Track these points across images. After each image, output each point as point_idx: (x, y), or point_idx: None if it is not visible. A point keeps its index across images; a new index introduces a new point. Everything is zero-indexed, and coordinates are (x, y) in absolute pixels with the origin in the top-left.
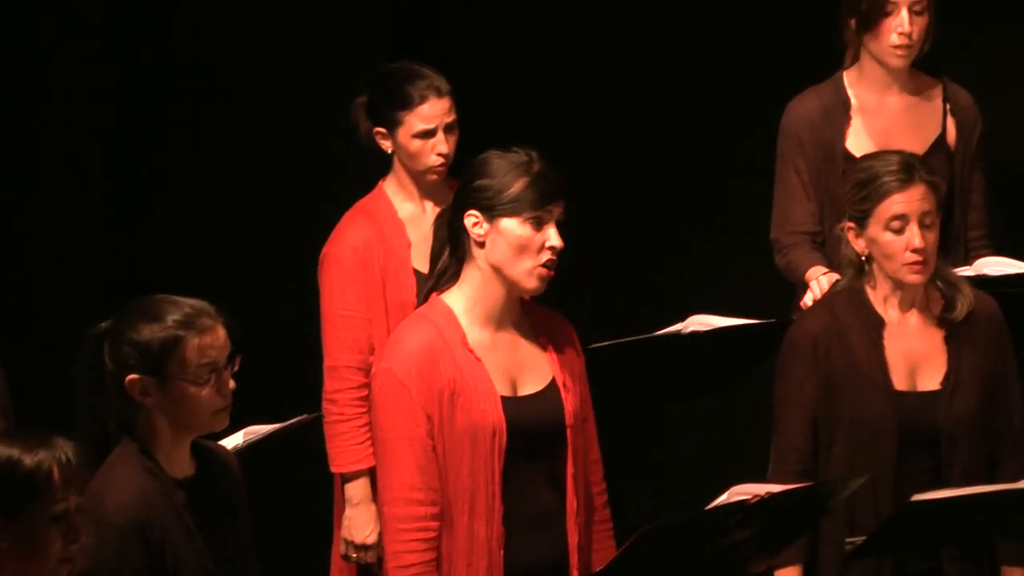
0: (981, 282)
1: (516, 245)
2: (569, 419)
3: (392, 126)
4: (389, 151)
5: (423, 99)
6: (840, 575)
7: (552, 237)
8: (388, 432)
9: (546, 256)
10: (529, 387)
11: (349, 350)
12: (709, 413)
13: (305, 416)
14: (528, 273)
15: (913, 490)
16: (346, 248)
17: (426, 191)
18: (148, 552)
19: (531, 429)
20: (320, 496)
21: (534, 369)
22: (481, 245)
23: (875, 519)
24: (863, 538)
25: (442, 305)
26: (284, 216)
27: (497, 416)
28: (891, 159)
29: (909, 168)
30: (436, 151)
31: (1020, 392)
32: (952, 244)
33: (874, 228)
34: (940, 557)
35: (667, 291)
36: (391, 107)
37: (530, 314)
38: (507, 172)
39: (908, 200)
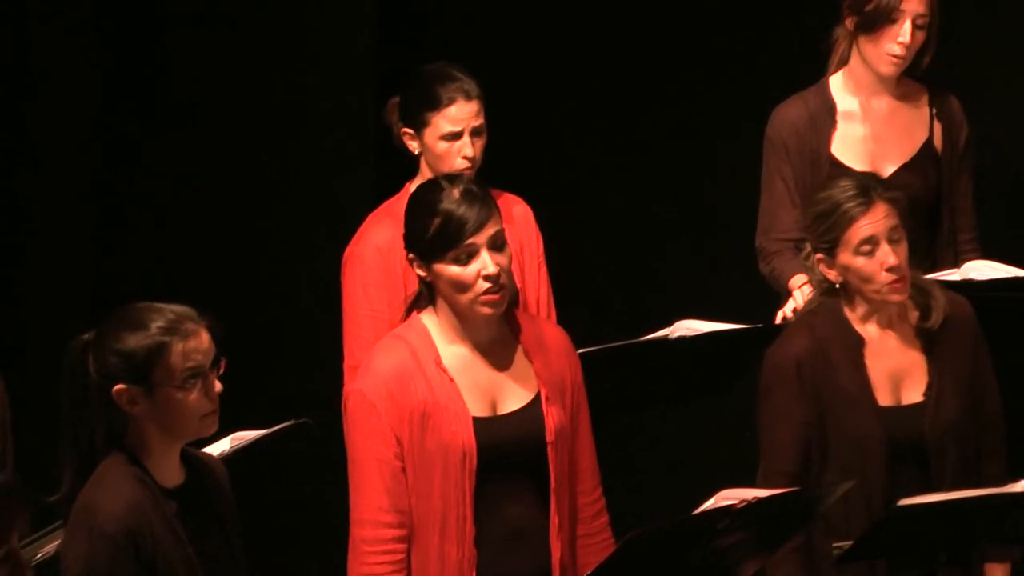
0: (968, 287)
1: (451, 285)
2: (550, 436)
3: (419, 127)
4: (416, 152)
5: (451, 101)
6: None
7: (485, 265)
8: (358, 453)
9: (484, 286)
10: (510, 404)
11: (370, 350)
12: (696, 418)
13: (293, 421)
14: (472, 305)
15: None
16: (370, 248)
17: None
18: (139, 561)
19: (507, 449)
20: (315, 501)
21: (517, 385)
22: (430, 282)
23: None
24: (850, 543)
25: (419, 324)
26: (273, 220)
27: (467, 437)
28: (846, 185)
29: (866, 190)
30: (462, 154)
31: (998, 391)
32: (941, 249)
33: (845, 255)
34: (934, 564)
35: (654, 296)
36: (419, 108)
37: (516, 325)
38: (422, 214)
39: (873, 221)
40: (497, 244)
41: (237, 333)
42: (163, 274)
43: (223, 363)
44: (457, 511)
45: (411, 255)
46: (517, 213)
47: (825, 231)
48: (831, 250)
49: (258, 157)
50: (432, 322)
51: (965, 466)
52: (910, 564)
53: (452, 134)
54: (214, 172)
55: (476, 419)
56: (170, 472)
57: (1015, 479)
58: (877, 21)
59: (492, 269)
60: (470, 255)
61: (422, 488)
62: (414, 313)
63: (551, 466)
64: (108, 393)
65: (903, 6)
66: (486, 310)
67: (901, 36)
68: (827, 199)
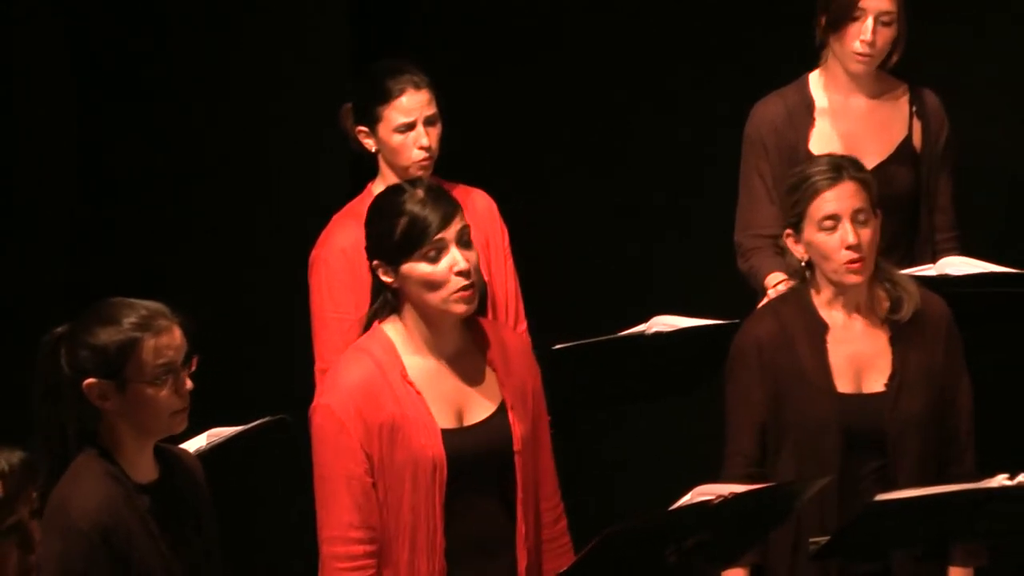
0: (944, 282)
1: (422, 284)
2: (517, 444)
3: (373, 123)
4: (373, 150)
5: (401, 92)
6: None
7: (455, 261)
8: (326, 470)
9: (458, 282)
10: (475, 414)
11: (340, 353)
12: (673, 413)
13: (269, 418)
14: (446, 303)
15: (859, 492)
16: (335, 250)
17: None
18: (114, 558)
19: (476, 459)
20: (290, 498)
21: (481, 394)
22: (397, 288)
23: (820, 520)
24: (826, 538)
25: (382, 336)
26: (249, 217)
27: (437, 450)
28: (820, 160)
29: (837, 167)
30: (418, 144)
31: (970, 393)
32: (919, 247)
33: (808, 230)
34: (889, 557)
35: (631, 291)
36: (370, 104)
37: (478, 332)
38: (386, 217)
39: (838, 198)
40: (464, 240)
41: (215, 329)
42: (140, 270)
43: (195, 360)
44: (427, 524)
45: (376, 262)
46: (480, 206)
47: (793, 204)
48: (798, 225)
49: (237, 155)
50: (396, 332)
51: (926, 461)
52: (864, 558)
53: (405, 125)
54: (193, 169)
55: (444, 431)
56: (143, 468)
57: (986, 476)
58: (840, 19)
59: (463, 264)
60: (439, 251)
61: (392, 502)
62: (376, 323)
63: (518, 475)
64: (79, 388)
65: (863, 4)
66: (459, 307)
67: (863, 34)
68: (799, 173)
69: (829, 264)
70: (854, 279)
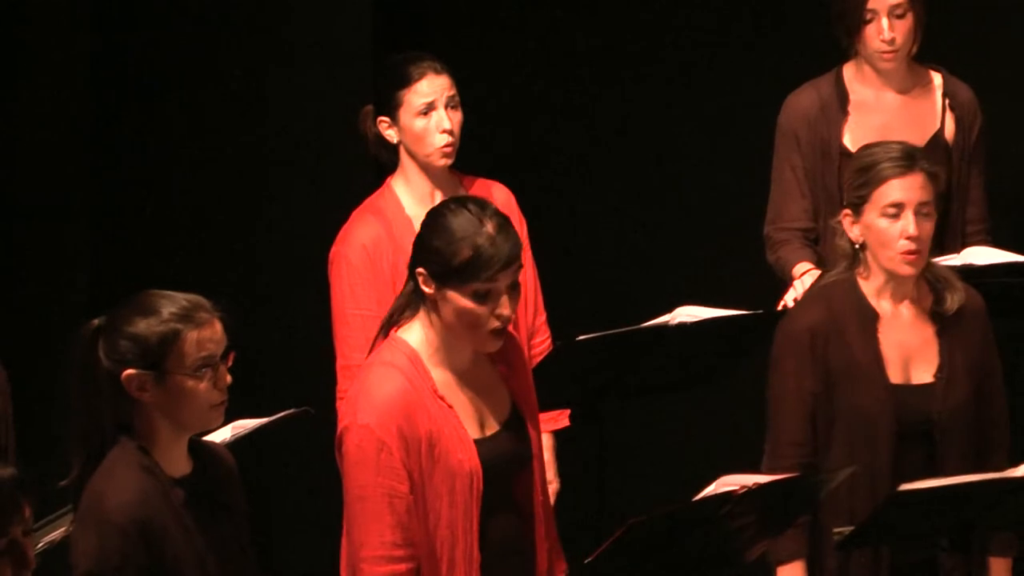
0: (968, 271)
1: (460, 315)
2: (535, 448)
3: (393, 110)
4: (395, 141)
5: (421, 75)
6: (841, 568)
7: (500, 307)
8: (368, 491)
9: (494, 325)
10: (494, 422)
11: (362, 349)
12: (696, 405)
13: (294, 411)
14: (476, 341)
15: (910, 482)
16: (356, 246)
17: (435, 183)
18: (148, 552)
19: (501, 468)
20: (316, 490)
21: (495, 402)
22: (433, 301)
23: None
24: (850, 528)
25: (405, 347)
26: (269, 210)
27: (473, 463)
28: (892, 147)
29: (910, 157)
30: (440, 128)
31: (1002, 385)
32: (949, 239)
33: (870, 214)
34: (935, 548)
35: (654, 281)
36: (390, 91)
37: None
38: (455, 239)
39: (906, 187)
40: (517, 288)
41: (236, 322)
42: (163, 264)
43: (232, 355)
44: (464, 539)
45: (421, 269)
46: (499, 199)
47: (859, 185)
48: (859, 206)
49: (258, 151)
50: (419, 343)
51: (969, 453)
52: (912, 547)
53: (426, 105)
54: (215, 165)
55: (475, 442)
56: (178, 461)
57: (1014, 465)
58: (855, 25)
59: (507, 312)
60: (488, 296)
61: (430, 519)
62: (393, 330)
63: (536, 479)
64: (118, 379)
65: (871, 4)
66: (487, 346)
67: (881, 33)
68: (870, 155)
69: (885, 252)
70: (908, 270)
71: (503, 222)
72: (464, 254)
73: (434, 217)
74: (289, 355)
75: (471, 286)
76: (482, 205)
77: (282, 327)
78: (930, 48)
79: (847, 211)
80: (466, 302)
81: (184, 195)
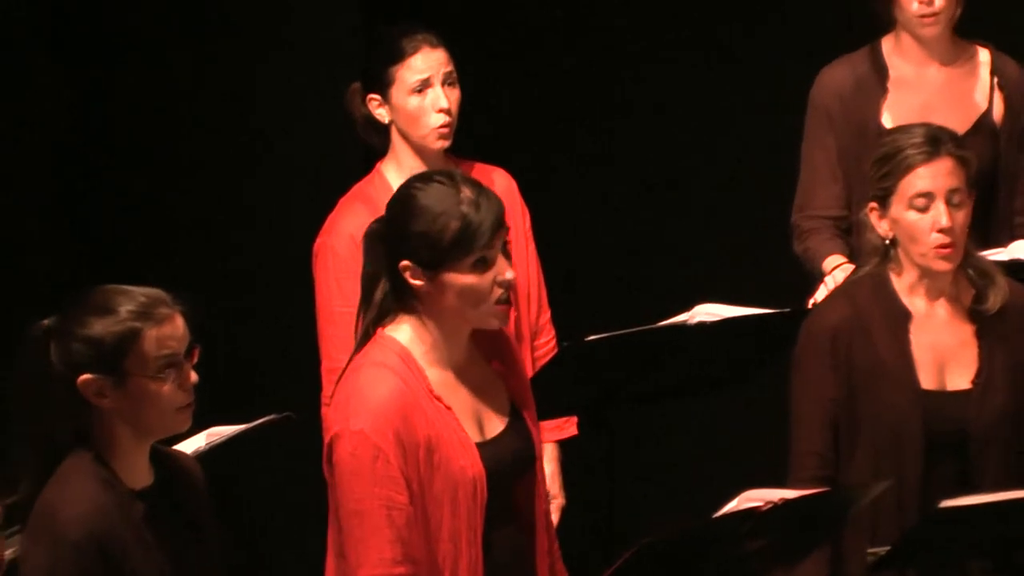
0: (1015, 267)
1: (462, 295)
2: (537, 450)
3: (385, 88)
4: (387, 121)
5: (415, 50)
6: None
7: (501, 271)
8: (364, 503)
9: (498, 293)
10: (495, 425)
11: (350, 351)
12: (717, 411)
13: (274, 416)
14: (482, 317)
15: (940, 497)
16: (343, 237)
17: (430, 167)
18: (106, 569)
19: (505, 473)
20: (299, 504)
21: (494, 402)
22: (425, 293)
23: (900, 529)
24: (885, 549)
25: (395, 346)
26: (250, 198)
27: (477, 469)
28: (916, 131)
29: (935, 140)
30: (436, 107)
31: None
32: (995, 230)
33: (897, 207)
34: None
35: (670, 276)
36: (382, 66)
37: (479, 337)
38: (437, 216)
39: (933, 175)
40: (507, 248)
41: (213, 323)
42: (127, 259)
43: (196, 351)
44: (469, 552)
45: (405, 263)
46: (500, 186)
47: (883, 176)
48: (885, 199)
49: (236, 139)
50: (410, 341)
51: (1008, 466)
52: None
53: (421, 82)
54: (192, 155)
55: (477, 445)
56: (138, 472)
57: None
58: None
59: (510, 275)
60: (486, 263)
61: (431, 531)
62: (380, 331)
63: (537, 481)
64: (72, 384)
65: None
66: (496, 321)
67: None
68: (892, 142)
69: (916, 247)
70: (943, 265)
71: (476, 183)
72: (452, 228)
73: (402, 202)
74: (269, 356)
75: (468, 259)
76: (448, 174)
77: (262, 327)
78: (975, 25)
79: (873, 204)
80: (467, 278)
81: (155, 185)
